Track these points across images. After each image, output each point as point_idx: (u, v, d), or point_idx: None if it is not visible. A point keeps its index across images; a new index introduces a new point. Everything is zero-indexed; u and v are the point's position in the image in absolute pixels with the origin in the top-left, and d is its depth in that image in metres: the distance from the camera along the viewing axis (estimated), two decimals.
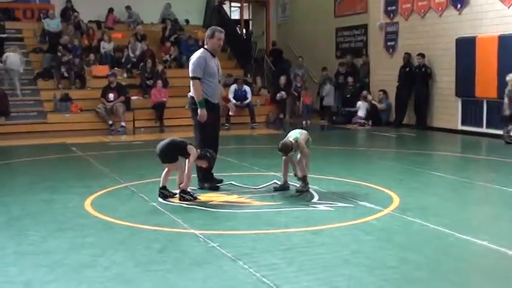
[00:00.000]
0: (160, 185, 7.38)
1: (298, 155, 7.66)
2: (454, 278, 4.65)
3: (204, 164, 7.46)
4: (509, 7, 13.29)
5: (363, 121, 16.80)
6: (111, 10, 21.20)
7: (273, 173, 8.83)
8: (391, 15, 16.92)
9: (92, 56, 18.59)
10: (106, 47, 18.97)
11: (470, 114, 14.40)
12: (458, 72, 14.53)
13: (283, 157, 7.70)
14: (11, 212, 6.93)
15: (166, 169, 7.36)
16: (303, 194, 7.55)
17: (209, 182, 7.98)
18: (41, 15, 20.09)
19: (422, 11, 15.73)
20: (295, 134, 7.69)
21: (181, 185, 7.28)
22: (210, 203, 7.23)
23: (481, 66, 13.84)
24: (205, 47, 8.00)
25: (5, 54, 16.83)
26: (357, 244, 5.47)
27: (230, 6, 24.50)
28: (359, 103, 17.15)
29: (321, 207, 6.93)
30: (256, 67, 21.46)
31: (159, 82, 16.90)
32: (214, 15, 21.74)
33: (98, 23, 20.75)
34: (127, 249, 5.38)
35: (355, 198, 7.29)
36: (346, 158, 11.43)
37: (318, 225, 6.13)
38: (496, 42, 13.47)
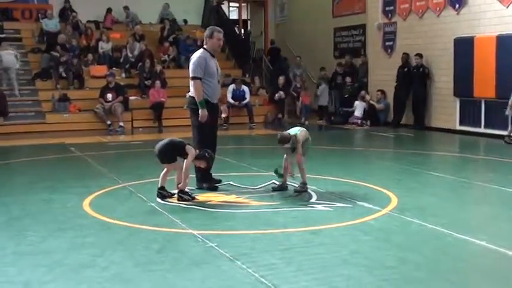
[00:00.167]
0: (159, 185, 7.39)
1: (298, 156, 7.64)
2: (452, 278, 4.66)
3: (202, 164, 7.46)
4: (507, 7, 13.30)
5: (359, 121, 16.82)
6: (109, 10, 21.20)
7: (271, 173, 8.82)
8: (389, 15, 16.93)
9: (90, 56, 18.59)
10: (104, 47, 18.96)
11: (469, 114, 14.41)
12: (457, 72, 14.54)
13: (284, 156, 7.70)
14: (10, 212, 6.93)
15: (165, 169, 7.36)
16: (301, 194, 7.55)
17: (208, 182, 7.99)
18: (39, 15, 20.09)
19: (421, 11, 15.75)
20: (294, 131, 7.70)
21: (179, 185, 7.28)
22: (209, 203, 7.23)
23: (479, 66, 13.85)
24: (205, 47, 8.00)
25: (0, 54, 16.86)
26: (356, 244, 5.48)
27: (228, 6, 24.51)
28: (356, 103, 17.17)
29: (320, 207, 6.93)
30: (254, 67, 21.46)
31: (158, 82, 16.89)
32: (213, 15, 21.74)
33: (96, 23, 20.76)
34: (126, 250, 5.38)
35: (353, 199, 7.30)
36: (345, 158, 11.43)
37: (316, 225, 6.13)
38: (494, 42, 13.48)
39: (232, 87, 17.46)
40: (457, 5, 14.56)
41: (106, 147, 13.24)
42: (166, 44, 19.82)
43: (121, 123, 15.97)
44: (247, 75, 20.14)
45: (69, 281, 4.61)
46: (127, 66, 18.61)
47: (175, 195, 7.31)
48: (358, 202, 7.12)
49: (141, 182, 8.54)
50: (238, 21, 24.34)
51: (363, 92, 17.31)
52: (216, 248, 5.35)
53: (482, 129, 14.02)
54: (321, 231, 5.92)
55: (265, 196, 7.51)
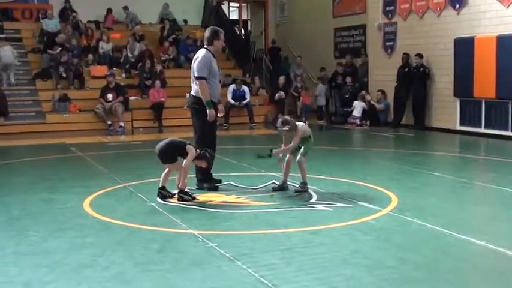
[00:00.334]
0: (160, 185, 7.39)
1: (298, 156, 7.65)
2: (452, 278, 4.66)
3: (203, 164, 7.46)
4: (507, 7, 13.30)
5: (357, 121, 16.82)
6: (109, 10, 21.21)
7: (271, 173, 8.83)
8: (390, 15, 16.92)
9: (90, 56, 18.59)
10: (104, 47, 18.96)
11: (469, 114, 14.40)
12: (457, 73, 14.54)
13: (287, 156, 7.70)
14: (10, 212, 6.93)
15: (166, 169, 7.36)
16: (301, 194, 7.55)
17: (208, 182, 7.99)
18: (40, 15, 20.09)
19: (421, 11, 15.75)
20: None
21: (179, 185, 7.28)
22: (209, 203, 7.23)
23: (479, 66, 13.84)
24: (208, 47, 7.99)
25: None
26: (356, 244, 5.48)
27: (229, 6, 24.50)
28: (355, 102, 17.17)
29: (320, 207, 6.94)
30: (254, 67, 21.46)
31: (158, 82, 16.90)
32: (213, 15, 21.74)
33: (97, 23, 20.76)
34: (126, 250, 5.38)
35: (353, 199, 7.30)
36: (345, 158, 11.43)
37: (316, 225, 6.14)
38: (494, 42, 13.48)
39: (232, 87, 17.46)
40: (458, 5, 14.56)
41: (106, 148, 13.24)
42: (167, 44, 19.81)
43: (121, 123, 15.97)
44: (247, 75, 20.14)
45: (70, 281, 4.61)
46: (127, 66, 18.61)
47: (176, 196, 7.31)
48: (358, 202, 7.12)
49: (141, 182, 8.54)
50: (239, 22, 24.35)
51: (362, 92, 17.31)
52: (216, 248, 5.36)
53: (482, 130, 14.02)
54: (321, 231, 5.92)
55: (266, 196, 7.52)
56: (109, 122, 16.00)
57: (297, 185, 7.75)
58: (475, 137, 13.97)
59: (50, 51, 17.97)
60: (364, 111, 16.99)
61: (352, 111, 17.20)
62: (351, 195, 7.53)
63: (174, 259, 5.10)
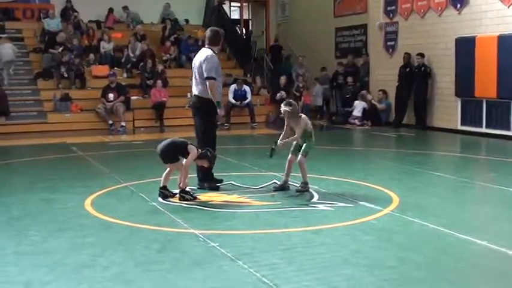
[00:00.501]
0: (161, 185, 7.39)
1: (299, 157, 7.63)
2: (453, 278, 4.66)
3: (205, 164, 7.47)
4: (508, 7, 13.29)
5: (357, 121, 16.81)
6: (111, 10, 21.21)
7: (272, 173, 8.83)
8: (391, 15, 16.92)
9: (91, 56, 18.60)
10: (106, 46, 18.96)
11: (470, 114, 14.39)
12: (458, 72, 14.53)
13: (289, 156, 7.70)
14: (10, 211, 6.93)
15: (168, 169, 7.36)
16: (302, 194, 7.55)
17: (209, 182, 7.99)
18: (41, 15, 20.09)
19: (422, 10, 15.74)
20: None
21: (180, 185, 7.28)
22: (210, 202, 7.23)
23: (480, 66, 13.83)
24: (211, 47, 7.98)
25: None
26: (357, 244, 5.48)
27: (230, 6, 24.50)
28: (356, 102, 17.17)
29: (321, 207, 6.93)
30: (256, 67, 21.45)
31: (159, 82, 16.90)
32: (214, 15, 21.75)
33: (98, 23, 20.76)
34: (126, 249, 5.38)
35: (354, 198, 7.30)
36: (346, 158, 11.43)
37: (317, 225, 6.14)
38: (495, 42, 13.47)
39: (233, 87, 17.45)
40: (459, 5, 14.55)
41: (107, 147, 13.24)
42: (168, 44, 19.82)
43: (123, 123, 15.97)
44: (248, 75, 20.14)
45: (70, 281, 4.61)
46: (128, 66, 18.61)
47: (177, 195, 7.31)
48: (359, 202, 7.12)
49: (142, 181, 8.54)
50: (240, 21, 24.35)
51: (363, 92, 17.30)
52: (218, 247, 5.35)
53: (483, 129, 14.00)
54: (322, 231, 5.92)
55: (267, 196, 7.51)
56: (110, 122, 16.00)
57: (298, 185, 7.75)
58: (476, 136, 13.96)
59: (51, 50, 17.96)
60: (365, 111, 16.98)
61: (353, 111, 17.20)
62: (352, 195, 7.52)
63: (175, 259, 5.10)
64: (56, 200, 7.56)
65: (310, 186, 7.72)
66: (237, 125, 16.64)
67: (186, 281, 4.59)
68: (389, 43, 17.03)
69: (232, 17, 24.11)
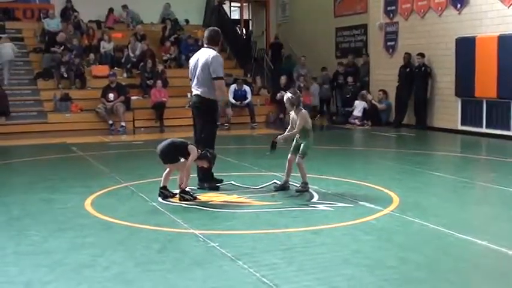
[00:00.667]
0: (161, 185, 7.38)
1: (297, 158, 7.63)
2: (453, 278, 4.65)
3: (205, 164, 7.47)
4: (508, 7, 13.28)
5: (357, 121, 16.81)
6: (111, 10, 21.21)
7: (273, 173, 8.83)
8: (391, 15, 16.91)
9: (92, 56, 18.59)
10: (106, 46, 18.97)
11: (470, 114, 14.39)
12: (458, 72, 14.53)
13: (288, 155, 7.70)
14: (11, 211, 6.93)
15: (167, 169, 7.36)
16: (302, 194, 7.55)
17: (209, 182, 7.99)
18: (41, 15, 20.09)
19: (422, 11, 15.74)
20: None
21: (181, 185, 7.27)
22: (210, 203, 7.23)
23: (480, 66, 13.83)
24: (213, 47, 7.98)
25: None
26: (357, 244, 5.48)
27: (230, 6, 24.50)
28: (356, 102, 17.17)
29: (321, 207, 6.93)
30: (256, 67, 21.45)
31: (159, 82, 16.90)
32: (214, 15, 21.75)
33: (98, 23, 20.76)
34: (127, 249, 5.38)
35: (354, 198, 7.30)
36: (346, 158, 11.43)
37: (317, 225, 6.13)
38: (495, 42, 13.46)
39: (233, 87, 17.45)
40: (459, 5, 14.55)
41: (108, 147, 13.24)
42: (168, 44, 19.83)
43: (123, 123, 15.98)
44: (248, 75, 20.14)
45: (70, 281, 4.61)
46: (129, 66, 18.62)
47: (177, 195, 7.31)
48: (359, 202, 7.12)
49: (142, 181, 8.54)
50: (240, 21, 24.35)
51: (362, 92, 17.31)
52: (218, 247, 5.35)
53: (483, 129, 14.00)
54: (322, 231, 5.91)
55: (267, 196, 7.51)
56: (110, 122, 16.01)
57: (298, 185, 7.75)
58: (476, 136, 13.96)
59: (53, 48, 17.95)
60: (365, 111, 16.98)
61: (353, 111, 17.20)
62: (352, 195, 7.52)
63: (175, 259, 5.09)
64: (56, 200, 7.56)
65: (310, 186, 7.71)
66: (237, 125, 16.63)
67: (186, 281, 4.59)
68: (389, 43, 17.03)
69: (232, 17, 24.12)
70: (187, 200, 7.19)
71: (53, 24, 19.22)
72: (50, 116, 16.34)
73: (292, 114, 7.71)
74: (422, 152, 12.13)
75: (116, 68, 18.22)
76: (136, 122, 16.76)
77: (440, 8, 15.18)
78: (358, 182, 8.40)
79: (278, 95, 17.97)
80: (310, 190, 7.66)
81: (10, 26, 19.46)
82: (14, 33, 19.18)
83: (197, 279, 4.61)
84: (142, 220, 6.39)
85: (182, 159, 7.31)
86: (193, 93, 8.02)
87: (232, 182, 8.30)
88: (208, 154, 7.40)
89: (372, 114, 16.89)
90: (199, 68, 7.86)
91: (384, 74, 17.10)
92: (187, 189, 7.32)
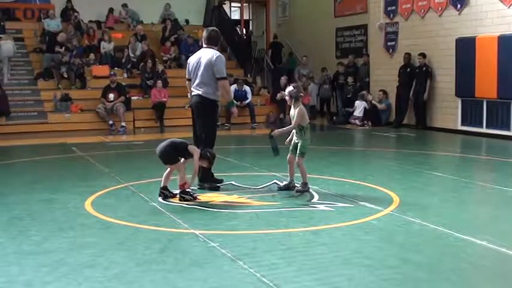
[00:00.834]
0: (161, 185, 7.39)
1: (296, 159, 7.63)
2: (454, 278, 4.66)
3: (204, 164, 7.48)
4: (509, 7, 13.29)
5: (357, 121, 16.81)
6: (111, 10, 21.22)
7: (273, 173, 8.83)
8: (391, 15, 16.92)
9: (92, 56, 18.60)
10: (106, 47, 18.98)
11: (470, 114, 14.40)
12: (458, 72, 14.53)
13: (288, 156, 7.70)
14: (11, 211, 6.93)
15: (168, 169, 7.37)
16: (303, 194, 7.55)
17: (209, 182, 7.99)
18: (41, 15, 20.09)
19: (422, 11, 15.74)
20: None
21: (185, 185, 7.25)
22: (210, 203, 7.23)
23: (480, 66, 13.83)
24: (213, 47, 7.98)
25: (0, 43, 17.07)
26: (357, 244, 5.48)
27: (230, 7, 24.51)
28: (357, 102, 17.18)
29: (321, 207, 6.93)
30: (256, 67, 21.45)
31: (159, 82, 16.91)
32: (215, 15, 21.75)
33: (98, 23, 20.76)
34: (127, 249, 5.38)
35: (355, 198, 7.30)
36: (346, 158, 11.43)
37: (318, 225, 6.14)
38: (495, 42, 13.47)
39: (234, 87, 17.44)
40: (459, 5, 14.55)
41: (108, 147, 13.25)
42: (168, 44, 19.84)
43: (123, 123, 15.98)
44: (249, 75, 20.14)
45: (71, 281, 4.61)
46: (129, 66, 18.63)
47: (177, 196, 7.31)
48: (359, 202, 7.12)
49: (142, 182, 8.54)
50: (240, 22, 24.35)
51: (363, 92, 17.31)
52: (218, 248, 5.35)
53: (483, 130, 14.00)
54: (322, 231, 5.91)
55: (267, 196, 7.52)
56: (110, 122, 16.01)
57: (299, 185, 7.75)
58: (476, 137, 13.96)
59: (57, 49, 17.94)
60: (365, 111, 16.98)
61: (353, 111, 17.20)
62: (352, 195, 7.52)
63: (175, 259, 5.10)
64: (57, 200, 7.56)
65: (310, 186, 7.72)
66: (237, 125, 16.63)
67: (187, 281, 4.59)
68: (389, 43, 17.03)
69: (232, 18, 24.12)
70: (187, 200, 7.20)
71: (53, 24, 19.22)
72: (50, 116, 16.35)
73: (292, 110, 7.72)
74: (423, 152, 12.13)
75: (116, 68, 18.22)
76: (137, 122, 16.76)
77: (440, 8, 15.18)
78: (358, 182, 8.40)
79: (278, 95, 17.98)
80: (310, 190, 7.66)
81: (10, 26, 19.45)
82: (14, 34, 19.15)
83: (197, 279, 4.62)
84: (143, 220, 6.40)
85: (182, 160, 7.32)
86: (194, 93, 7.98)
87: (233, 182, 8.30)
88: (208, 154, 7.42)
89: (372, 115, 16.89)
90: (202, 68, 7.84)
91: (384, 74, 17.10)
92: (187, 189, 7.32)
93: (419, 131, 15.22)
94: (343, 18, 19.82)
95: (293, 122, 7.63)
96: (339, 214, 6.62)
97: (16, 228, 6.17)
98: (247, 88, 17.61)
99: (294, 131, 7.68)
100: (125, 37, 19.96)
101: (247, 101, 17.35)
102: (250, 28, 25.00)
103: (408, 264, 4.94)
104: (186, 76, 8.21)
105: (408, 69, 16.01)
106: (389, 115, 16.87)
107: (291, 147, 7.73)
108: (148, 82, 17.64)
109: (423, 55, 15.51)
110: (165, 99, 16.75)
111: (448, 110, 15.07)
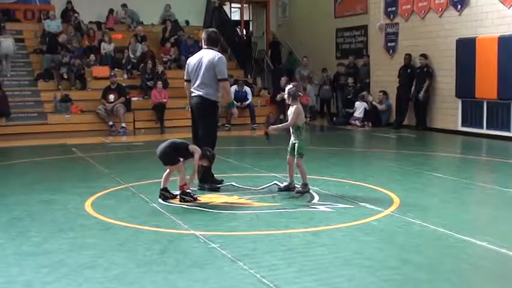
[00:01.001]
0: (161, 186, 7.39)
1: (295, 160, 7.63)
2: (454, 279, 4.65)
3: (204, 163, 7.49)
4: (509, 8, 13.28)
5: (357, 122, 16.81)
6: (111, 11, 21.22)
7: (273, 174, 8.83)
8: (391, 16, 16.92)
9: (92, 57, 18.59)
10: (106, 47, 18.97)
11: (471, 115, 14.39)
12: (459, 73, 14.53)
13: (287, 157, 7.70)
14: (11, 212, 6.93)
15: (167, 170, 7.36)
16: (303, 195, 7.55)
17: (209, 183, 7.99)
18: (42, 16, 20.10)
19: (423, 11, 15.74)
20: None
21: (185, 185, 7.25)
22: (211, 204, 7.23)
23: (481, 67, 13.83)
24: (214, 48, 7.98)
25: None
26: (357, 245, 5.48)
27: (230, 7, 24.52)
28: (357, 103, 17.18)
29: (321, 208, 6.93)
30: (256, 68, 21.45)
31: (159, 83, 16.90)
32: (215, 16, 21.75)
33: (98, 24, 20.77)
34: (127, 250, 5.38)
35: (355, 199, 7.29)
36: (347, 159, 11.43)
37: (318, 226, 6.13)
38: (496, 43, 13.47)
39: (234, 88, 17.44)
40: (459, 6, 14.55)
41: (108, 148, 13.25)
42: (168, 45, 19.84)
43: (123, 124, 15.97)
44: (249, 76, 20.14)
45: (71, 282, 4.61)
46: (129, 67, 18.63)
47: (178, 196, 7.31)
48: (360, 203, 7.12)
49: (143, 182, 8.54)
50: (240, 22, 24.35)
51: (363, 93, 17.31)
52: (218, 249, 5.35)
53: (484, 130, 14.00)
54: (322, 232, 5.91)
55: (267, 197, 7.51)
56: (111, 123, 16.00)
57: (299, 186, 7.75)
58: (476, 137, 13.95)
59: (59, 50, 17.95)
60: (366, 112, 16.98)
61: (354, 112, 17.20)
62: (352, 196, 7.52)
63: (175, 260, 5.09)
64: (57, 201, 7.56)
65: (310, 187, 7.71)
66: (237, 126, 16.63)
67: (187, 282, 4.59)
68: (389, 44, 17.03)
69: (232, 18, 24.13)
70: (187, 201, 7.19)
71: (53, 25, 19.21)
72: (50, 117, 16.34)
73: (290, 109, 7.72)
74: (423, 153, 12.13)
75: (116, 69, 18.22)
76: (137, 123, 16.76)
77: (440, 9, 15.18)
78: (358, 183, 8.40)
79: (278, 96, 17.98)
80: (310, 191, 7.66)
81: (10, 27, 19.40)
82: (14, 35, 19.13)
83: (198, 280, 4.61)
84: (143, 221, 6.39)
85: (182, 160, 7.32)
86: (194, 94, 7.97)
87: (233, 183, 8.29)
88: (208, 152, 7.42)
89: (372, 115, 16.89)
90: (203, 69, 7.83)
91: (384, 75, 17.10)
92: (187, 190, 7.32)
93: (419, 132, 15.22)
94: (343, 19, 19.82)
95: (289, 120, 7.64)
96: (339, 215, 6.61)
97: (16, 229, 6.17)
98: (247, 89, 17.62)
99: (291, 131, 7.67)
100: (125, 38, 19.96)
101: (247, 102, 17.35)
102: (251, 29, 25.00)
103: (408, 265, 4.93)
104: (185, 77, 8.20)
105: (408, 70, 16.01)
106: (390, 116, 16.86)
107: (289, 149, 7.73)
108: (148, 83, 17.64)
109: (425, 56, 15.50)
110: (165, 100, 16.74)
111: (448, 111, 15.07)
